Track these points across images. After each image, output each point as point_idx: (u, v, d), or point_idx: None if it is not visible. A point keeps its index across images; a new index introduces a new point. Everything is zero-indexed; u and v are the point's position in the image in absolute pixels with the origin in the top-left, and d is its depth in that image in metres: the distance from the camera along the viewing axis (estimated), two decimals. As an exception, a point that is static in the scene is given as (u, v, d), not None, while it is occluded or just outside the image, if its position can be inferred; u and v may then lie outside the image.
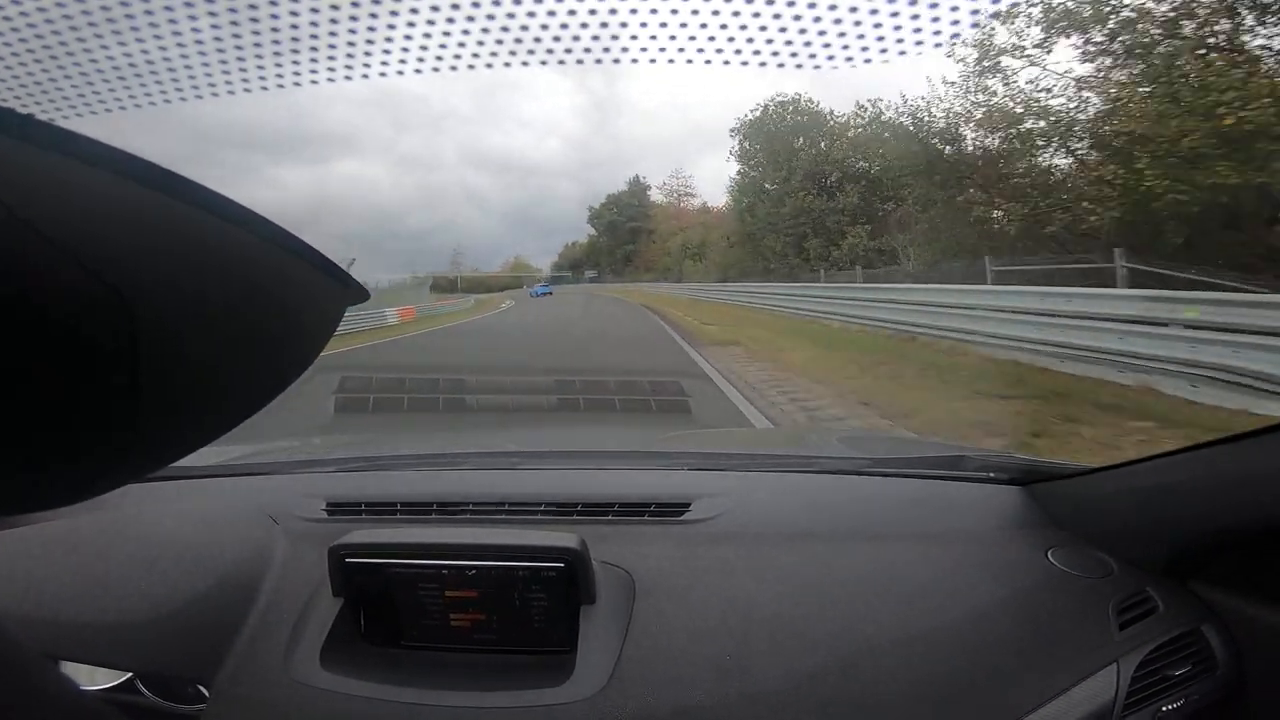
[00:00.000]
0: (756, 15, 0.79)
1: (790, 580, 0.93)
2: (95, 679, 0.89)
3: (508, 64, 0.82)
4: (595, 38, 0.81)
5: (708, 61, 0.83)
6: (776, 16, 0.78)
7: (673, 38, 0.80)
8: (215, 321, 0.32)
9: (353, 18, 0.74)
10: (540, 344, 10.82)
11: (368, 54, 0.78)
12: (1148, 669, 0.84)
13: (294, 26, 0.72)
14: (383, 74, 0.80)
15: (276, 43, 0.73)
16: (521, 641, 0.88)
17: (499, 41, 0.80)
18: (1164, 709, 0.82)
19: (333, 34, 0.74)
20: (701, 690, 0.79)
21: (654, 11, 0.78)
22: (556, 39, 0.80)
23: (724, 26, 0.80)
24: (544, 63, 0.84)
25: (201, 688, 0.87)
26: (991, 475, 1.21)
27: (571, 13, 0.77)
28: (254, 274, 0.34)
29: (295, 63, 0.77)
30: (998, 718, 0.78)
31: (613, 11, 0.78)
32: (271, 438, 1.70)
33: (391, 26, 0.76)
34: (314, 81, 0.79)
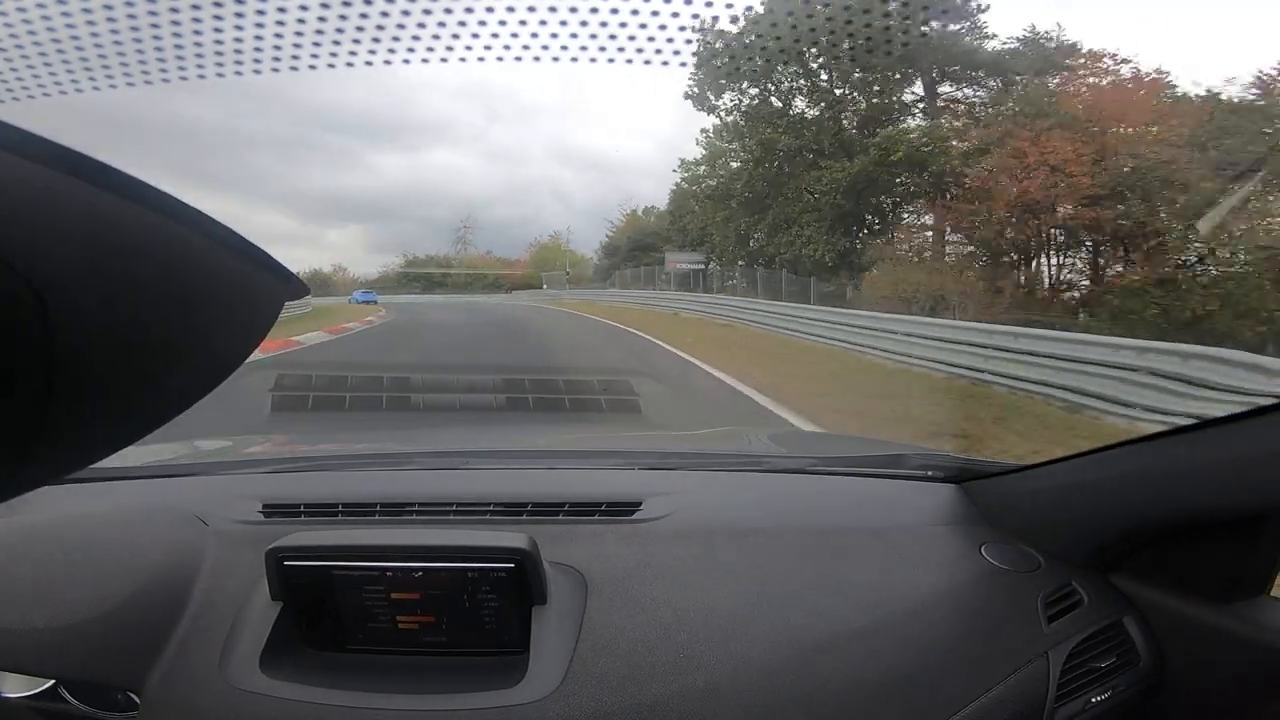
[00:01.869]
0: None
1: (740, 577, 0.95)
2: (15, 686, 0.84)
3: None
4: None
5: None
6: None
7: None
8: (139, 316, 0.31)
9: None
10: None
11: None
12: (1076, 661, 0.89)
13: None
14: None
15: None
16: (472, 643, 0.87)
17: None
18: (1093, 700, 0.88)
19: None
20: (655, 687, 0.80)
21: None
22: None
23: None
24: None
25: (132, 694, 0.83)
26: (929, 474, 1.26)
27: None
28: (183, 268, 0.33)
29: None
30: (939, 708, 0.81)
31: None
32: (203, 437, 1.62)
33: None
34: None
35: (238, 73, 0.76)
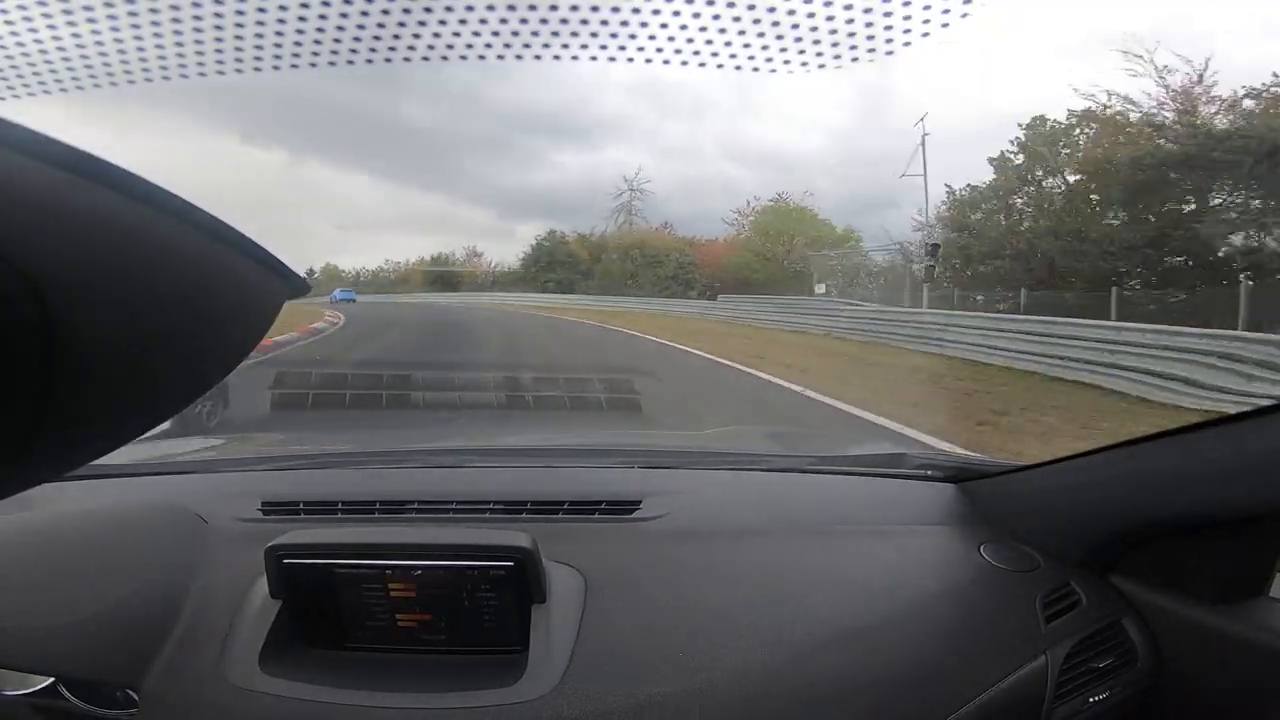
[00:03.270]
0: None
1: (740, 575, 0.95)
2: (14, 684, 0.84)
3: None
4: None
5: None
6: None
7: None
8: (140, 314, 0.31)
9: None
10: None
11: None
12: (1074, 661, 0.89)
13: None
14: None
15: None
16: (472, 641, 0.87)
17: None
18: (1090, 699, 0.88)
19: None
20: (654, 686, 0.80)
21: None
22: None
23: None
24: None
25: (131, 692, 0.83)
26: (929, 473, 1.26)
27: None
28: (183, 265, 0.33)
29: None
30: (938, 708, 0.81)
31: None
32: (202, 435, 1.62)
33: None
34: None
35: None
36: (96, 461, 0.36)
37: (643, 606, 0.90)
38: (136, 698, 0.83)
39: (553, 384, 2.27)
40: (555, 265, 26.03)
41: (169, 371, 0.35)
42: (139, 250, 0.31)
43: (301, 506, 1.13)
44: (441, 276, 28.66)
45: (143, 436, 0.36)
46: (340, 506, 1.13)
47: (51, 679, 0.85)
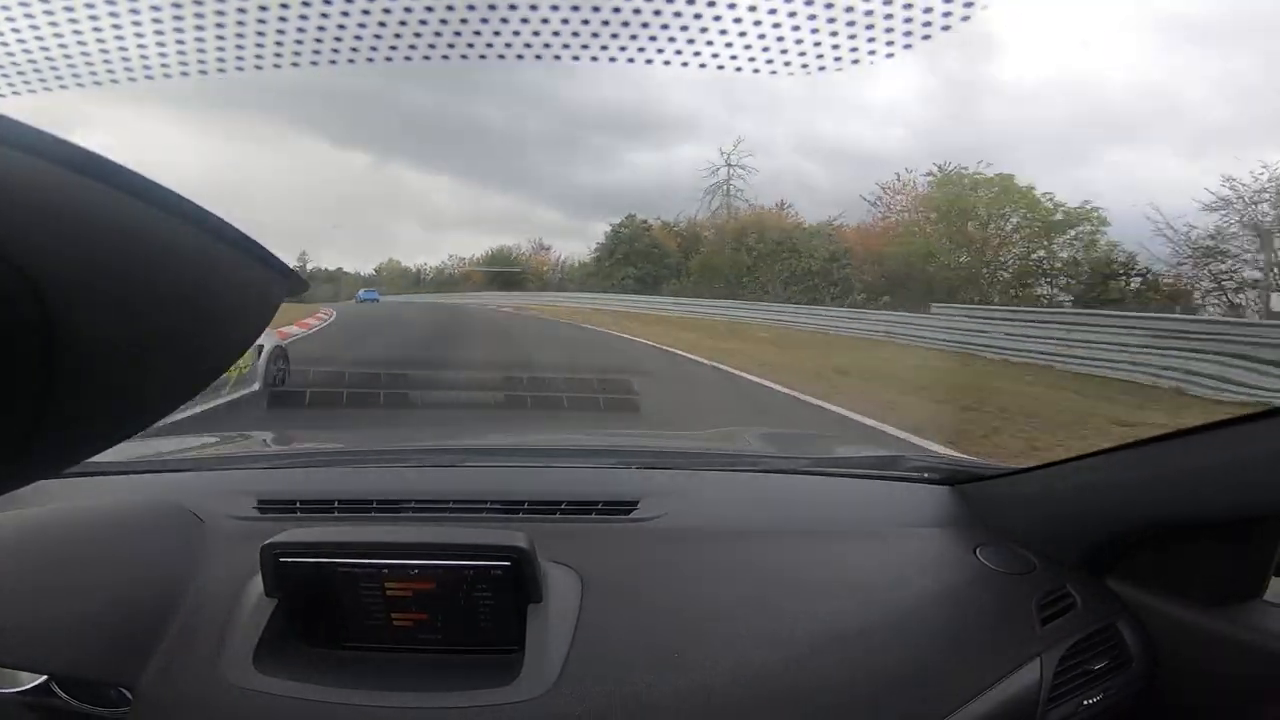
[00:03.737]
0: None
1: (736, 576, 0.95)
2: (7, 682, 0.84)
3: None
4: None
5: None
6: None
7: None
8: (139, 311, 0.31)
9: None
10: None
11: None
12: (1069, 663, 0.89)
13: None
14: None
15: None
16: (468, 641, 0.87)
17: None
18: (1085, 702, 0.88)
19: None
20: (650, 687, 0.80)
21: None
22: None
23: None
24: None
25: (125, 691, 0.83)
26: (925, 476, 1.27)
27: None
28: (181, 262, 0.33)
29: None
30: (933, 710, 0.81)
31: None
32: (199, 433, 1.62)
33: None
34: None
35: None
36: (91, 459, 0.36)
37: (639, 607, 0.90)
38: (130, 696, 0.83)
39: (551, 384, 2.27)
40: (635, 258, 21.48)
41: (167, 369, 0.35)
42: (138, 248, 0.31)
43: (298, 505, 1.13)
44: (502, 274, 25.58)
45: (139, 433, 0.36)
46: (337, 505, 1.13)
47: (44, 677, 0.84)
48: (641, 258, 21.67)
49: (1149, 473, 0.91)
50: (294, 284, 0.40)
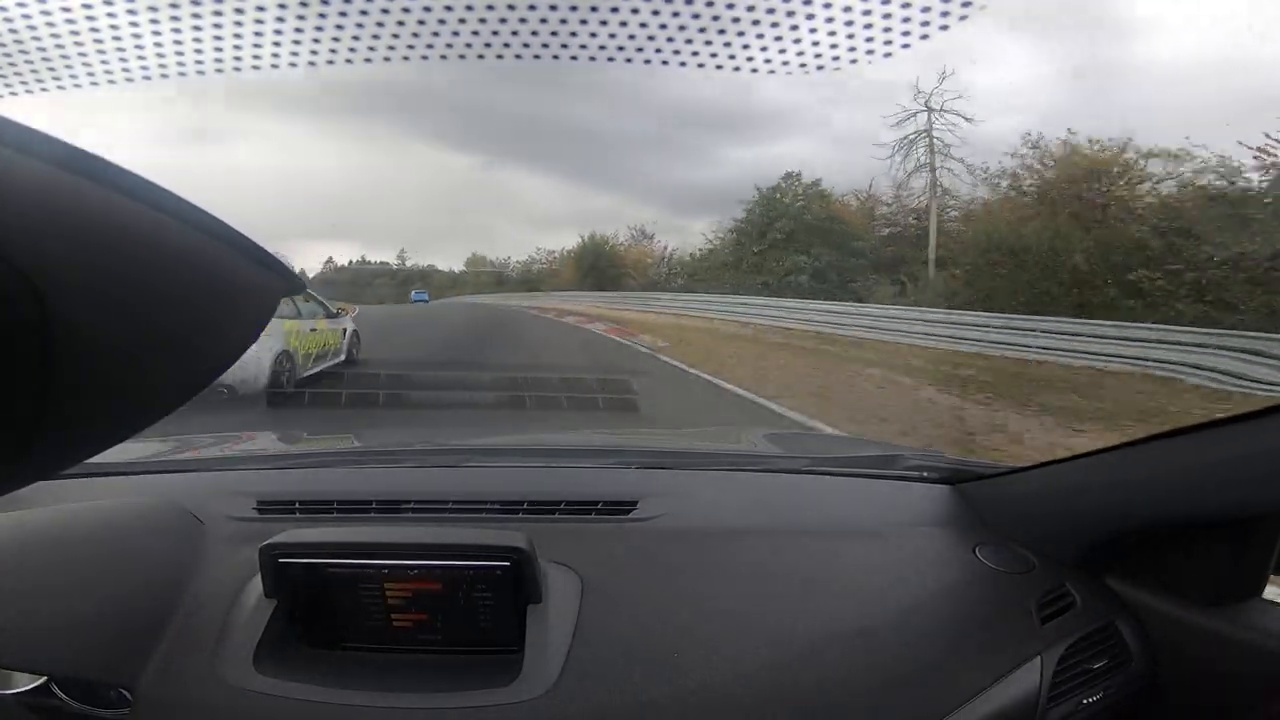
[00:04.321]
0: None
1: (735, 577, 0.95)
2: (8, 682, 0.84)
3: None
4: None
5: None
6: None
7: None
8: (137, 312, 0.31)
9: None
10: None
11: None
12: (1068, 662, 0.89)
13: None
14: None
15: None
16: (468, 641, 0.87)
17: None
18: (1084, 701, 0.88)
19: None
20: (650, 687, 0.80)
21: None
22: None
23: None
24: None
25: (124, 691, 0.83)
26: (924, 475, 1.27)
27: None
28: (179, 263, 0.33)
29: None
30: (932, 709, 0.81)
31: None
32: (198, 434, 1.61)
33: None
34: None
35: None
36: (90, 460, 0.36)
37: (639, 607, 0.90)
38: (130, 697, 0.83)
39: (549, 384, 2.27)
40: (799, 237, 13.32)
41: (166, 370, 0.35)
42: (137, 250, 0.31)
43: (297, 506, 1.13)
44: (595, 268, 20.54)
45: (138, 434, 0.36)
46: (336, 506, 1.13)
47: (44, 678, 0.84)
48: (817, 237, 13.23)
49: (1148, 472, 0.91)
50: (291, 284, 0.40)
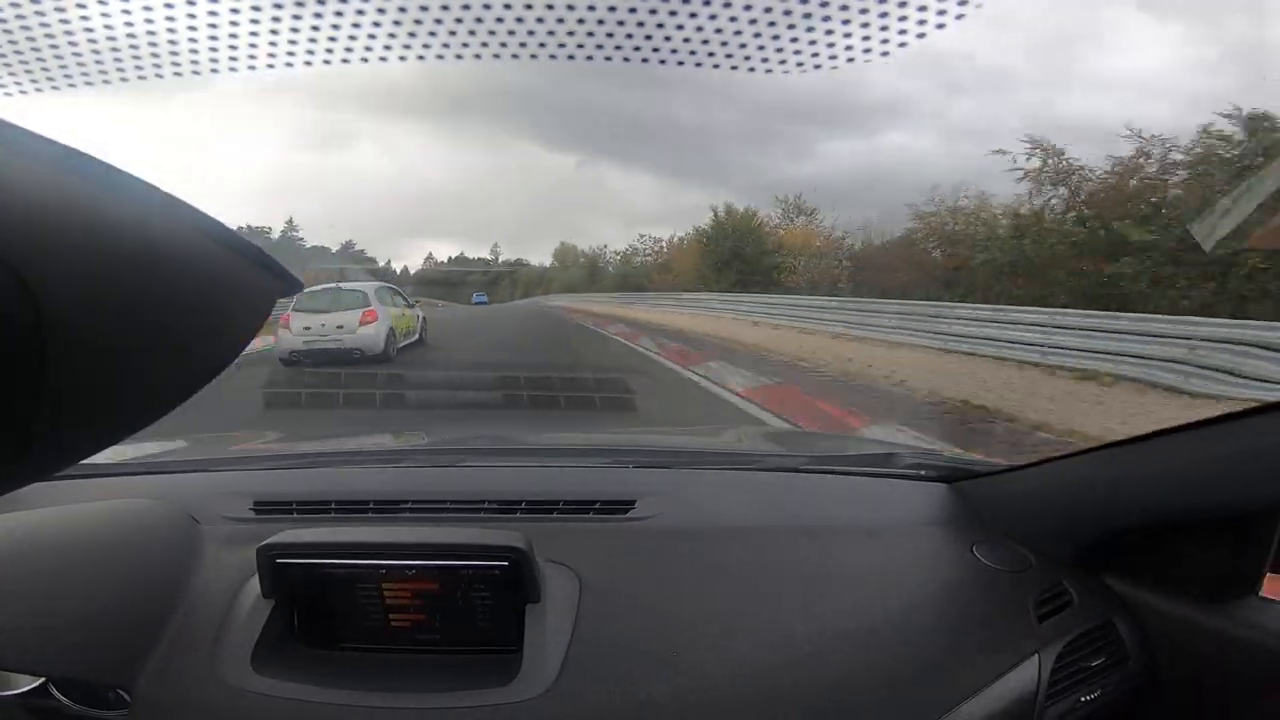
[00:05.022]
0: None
1: (733, 576, 0.95)
2: (6, 684, 0.84)
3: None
4: None
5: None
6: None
7: None
8: (134, 313, 0.31)
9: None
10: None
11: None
12: (1066, 660, 0.89)
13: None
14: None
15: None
16: (466, 641, 0.87)
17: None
18: (1082, 699, 0.88)
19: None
20: (648, 686, 0.80)
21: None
22: None
23: None
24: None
25: (122, 692, 0.83)
26: (921, 473, 1.27)
27: None
28: (175, 264, 0.33)
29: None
30: (930, 707, 0.81)
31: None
32: (194, 434, 1.61)
33: None
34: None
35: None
36: (86, 460, 0.35)
37: (637, 606, 0.90)
38: (128, 698, 0.83)
39: (547, 384, 2.27)
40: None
41: (163, 370, 0.35)
42: (134, 250, 0.31)
43: (294, 506, 1.12)
44: (738, 257, 15.04)
45: (134, 435, 0.36)
46: (333, 506, 1.13)
47: (42, 679, 0.84)
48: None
49: (1145, 469, 0.91)
50: (288, 285, 0.40)
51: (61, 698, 0.84)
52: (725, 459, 1.50)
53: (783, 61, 0.78)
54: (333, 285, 8.23)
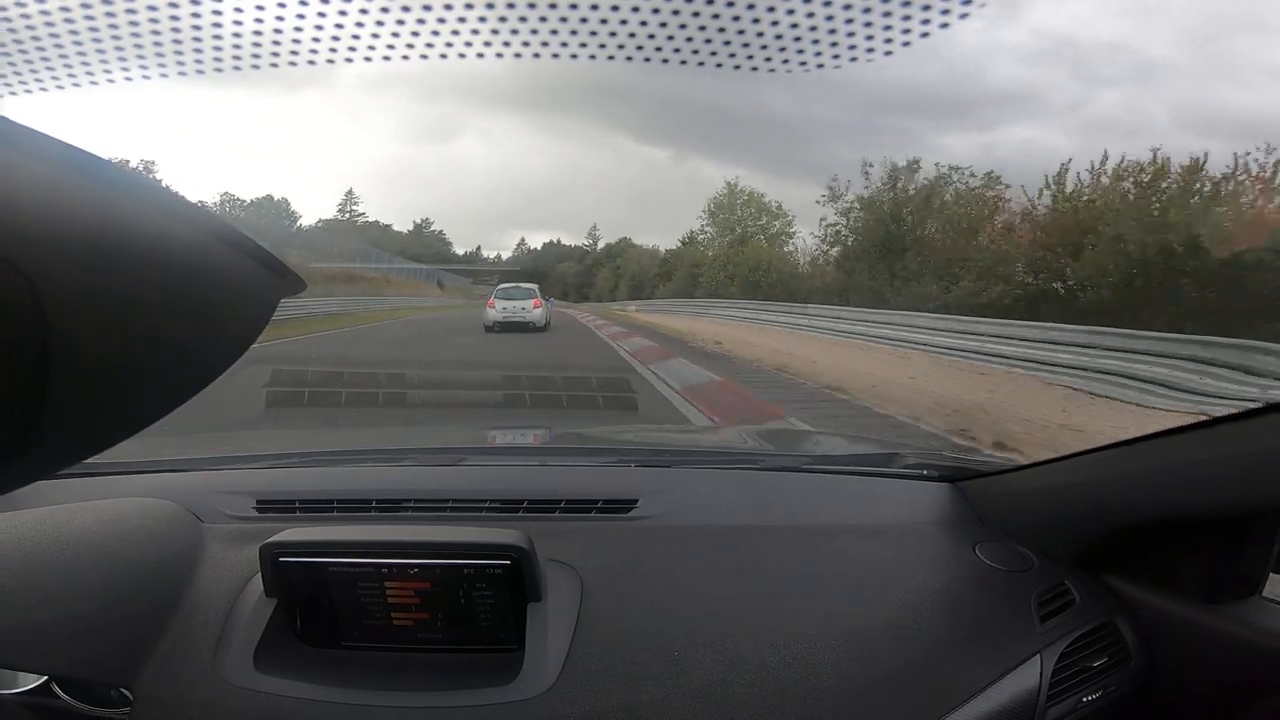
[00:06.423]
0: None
1: (735, 575, 0.95)
2: (9, 683, 0.84)
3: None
4: None
5: None
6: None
7: None
8: (135, 311, 0.31)
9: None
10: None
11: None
12: (1068, 660, 0.89)
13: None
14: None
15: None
16: (467, 640, 0.87)
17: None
18: (1084, 699, 0.88)
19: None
20: (650, 686, 0.80)
21: None
22: None
23: None
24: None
25: (125, 691, 0.83)
26: (924, 473, 1.27)
27: None
28: (178, 263, 0.33)
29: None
30: (932, 707, 0.81)
31: None
32: (196, 433, 1.61)
33: None
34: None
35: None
36: (89, 459, 0.36)
37: (639, 605, 0.90)
38: (130, 696, 0.83)
39: (549, 383, 2.27)
40: None
41: (166, 370, 0.35)
42: (139, 249, 0.31)
43: (297, 504, 1.13)
44: (890, 236, 13.08)
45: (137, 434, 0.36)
46: (336, 504, 1.13)
47: (44, 678, 0.84)
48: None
49: (1147, 469, 0.91)
50: (291, 284, 0.40)
51: (64, 696, 0.84)
52: (727, 458, 1.50)
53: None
54: (513, 284, 14.47)
